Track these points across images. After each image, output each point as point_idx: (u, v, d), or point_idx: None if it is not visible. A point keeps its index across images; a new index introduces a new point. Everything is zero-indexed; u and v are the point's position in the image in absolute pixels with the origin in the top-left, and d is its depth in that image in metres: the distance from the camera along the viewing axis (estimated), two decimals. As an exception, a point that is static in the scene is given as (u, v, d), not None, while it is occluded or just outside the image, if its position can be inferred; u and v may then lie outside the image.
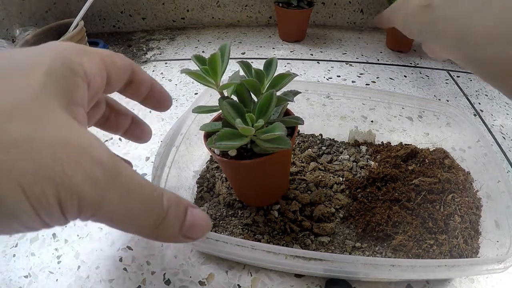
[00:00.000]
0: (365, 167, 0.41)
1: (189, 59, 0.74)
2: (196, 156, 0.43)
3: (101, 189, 0.15)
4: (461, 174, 0.39)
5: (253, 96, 0.29)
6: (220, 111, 0.28)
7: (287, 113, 0.32)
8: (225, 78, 0.28)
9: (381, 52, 0.77)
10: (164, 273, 0.34)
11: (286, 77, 0.29)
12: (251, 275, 0.34)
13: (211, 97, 0.42)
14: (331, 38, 0.82)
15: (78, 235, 0.38)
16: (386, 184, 0.38)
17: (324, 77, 0.66)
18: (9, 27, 0.70)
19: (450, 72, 0.70)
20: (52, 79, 0.16)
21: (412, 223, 0.34)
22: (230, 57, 0.29)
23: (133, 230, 0.18)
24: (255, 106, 0.27)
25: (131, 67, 0.23)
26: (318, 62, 0.72)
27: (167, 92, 0.27)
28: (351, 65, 0.71)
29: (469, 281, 0.33)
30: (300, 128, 0.47)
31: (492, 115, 0.58)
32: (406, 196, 0.36)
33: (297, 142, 0.45)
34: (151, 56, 0.75)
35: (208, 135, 0.30)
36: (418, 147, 0.44)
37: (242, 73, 0.30)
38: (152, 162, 0.44)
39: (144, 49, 0.78)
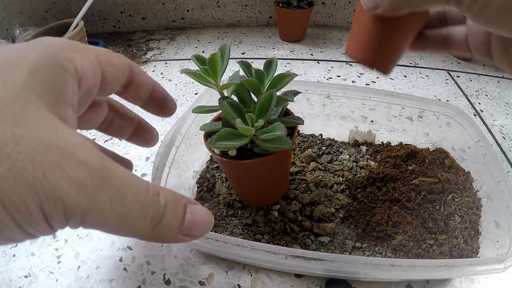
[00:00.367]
0: (365, 167, 0.41)
1: (189, 59, 0.74)
2: (196, 156, 0.43)
3: (89, 194, 0.14)
4: (461, 174, 0.39)
5: (253, 96, 0.29)
6: (220, 111, 0.28)
7: (287, 113, 0.32)
8: (225, 78, 0.28)
9: (381, 52, 0.77)
10: (164, 273, 0.34)
11: (286, 77, 0.29)
12: (251, 275, 0.34)
13: (211, 97, 0.42)
14: (331, 38, 0.82)
15: (78, 235, 0.38)
16: (386, 184, 0.38)
17: (324, 77, 0.66)
18: (9, 27, 0.70)
19: (450, 72, 0.70)
20: (37, 76, 0.15)
21: (412, 223, 0.34)
22: (230, 57, 0.29)
23: (129, 234, 0.16)
24: (255, 106, 0.27)
25: (129, 67, 0.22)
26: (318, 62, 0.72)
27: (170, 96, 0.26)
28: (351, 65, 0.71)
29: (469, 281, 0.33)
30: (300, 128, 0.47)
31: (492, 115, 0.58)
32: (406, 196, 0.36)
33: (297, 142, 0.45)
34: (151, 56, 0.75)
35: (208, 135, 0.30)
36: (418, 147, 0.44)
37: (242, 73, 0.30)
38: (152, 162, 0.44)
39: (144, 49, 0.78)
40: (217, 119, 0.33)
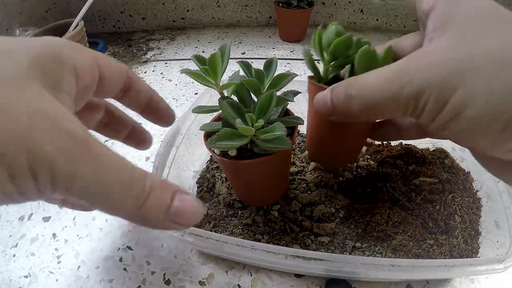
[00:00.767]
0: (365, 167, 0.41)
1: (189, 59, 0.74)
2: (196, 156, 0.43)
3: (73, 162, 0.15)
4: (461, 174, 0.39)
5: (253, 96, 0.29)
6: (220, 111, 0.28)
7: (287, 113, 0.32)
8: (225, 78, 0.28)
9: (381, 52, 0.77)
10: (164, 273, 0.34)
11: (286, 77, 0.29)
12: (251, 275, 0.34)
13: (211, 97, 0.42)
14: (331, 38, 0.82)
15: (78, 235, 0.38)
16: (386, 184, 0.38)
17: (324, 77, 0.66)
18: (9, 27, 0.70)
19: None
20: (38, 63, 0.17)
21: (412, 223, 0.34)
22: (230, 57, 0.29)
23: (112, 210, 0.17)
24: (255, 106, 0.27)
25: (126, 73, 0.23)
26: (318, 62, 0.71)
27: (168, 105, 0.28)
28: (351, 65, 0.71)
29: (469, 281, 0.33)
30: (300, 128, 0.47)
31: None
32: (406, 196, 0.36)
33: (297, 142, 0.45)
34: (151, 56, 0.75)
35: (208, 135, 0.30)
36: (418, 147, 0.44)
37: (242, 73, 0.30)
38: (152, 162, 0.44)
39: (144, 49, 0.78)
40: (217, 119, 0.33)
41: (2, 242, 0.37)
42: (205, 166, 0.43)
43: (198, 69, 0.27)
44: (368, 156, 0.43)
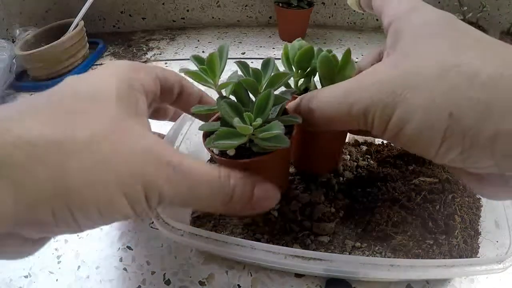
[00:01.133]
0: (365, 167, 0.41)
1: (189, 59, 0.74)
2: (196, 156, 0.43)
3: (174, 186, 0.19)
4: (461, 174, 0.39)
5: (251, 96, 0.29)
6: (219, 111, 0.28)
7: (286, 112, 0.32)
8: (224, 78, 0.28)
9: (381, 52, 0.77)
10: (164, 273, 0.34)
11: (284, 76, 0.29)
12: (251, 275, 0.34)
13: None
14: (331, 38, 0.82)
15: (78, 235, 0.38)
16: (386, 184, 0.38)
17: (324, 77, 0.66)
18: (9, 27, 0.71)
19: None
20: (122, 102, 0.20)
21: (412, 223, 0.34)
22: (230, 57, 0.29)
23: (201, 209, 0.24)
24: (253, 105, 0.27)
25: (180, 82, 0.28)
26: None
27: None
28: (351, 65, 0.71)
29: (469, 281, 0.33)
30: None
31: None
32: (406, 196, 0.36)
33: (297, 142, 0.45)
34: (151, 56, 0.75)
35: (207, 135, 0.30)
36: (418, 147, 0.44)
37: (240, 73, 0.30)
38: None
39: (144, 49, 0.78)
40: (216, 120, 0.33)
41: (2, 242, 0.37)
42: (205, 166, 0.43)
43: (197, 69, 0.27)
44: (368, 156, 0.43)
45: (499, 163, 0.18)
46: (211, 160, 0.44)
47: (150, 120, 0.28)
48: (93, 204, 0.17)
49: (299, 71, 0.31)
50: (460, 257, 0.32)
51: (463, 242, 0.32)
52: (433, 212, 0.34)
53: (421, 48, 0.20)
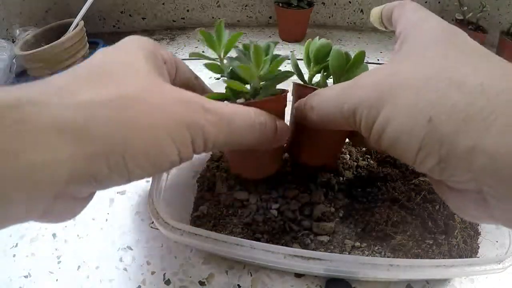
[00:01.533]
0: (365, 166, 0.41)
1: (189, 59, 0.74)
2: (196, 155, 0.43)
3: (218, 128, 0.21)
4: (461, 174, 0.39)
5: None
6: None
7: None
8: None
9: (381, 52, 0.77)
10: (164, 273, 0.34)
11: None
12: (251, 275, 0.34)
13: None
14: (331, 38, 0.82)
15: (78, 235, 0.38)
16: (386, 184, 0.38)
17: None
18: (9, 27, 0.71)
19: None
20: (150, 64, 0.22)
21: (411, 223, 0.34)
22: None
23: (240, 147, 0.24)
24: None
25: (176, 62, 0.29)
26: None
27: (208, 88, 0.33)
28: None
29: (469, 281, 0.33)
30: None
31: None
32: (406, 196, 0.36)
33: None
34: (151, 56, 0.75)
35: None
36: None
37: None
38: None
39: (144, 49, 0.78)
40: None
41: (2, 242, 0.37)
42: (205, 166, 0.43)
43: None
44: (368, 156, 0.43)
45: (477, 177, 0.17)
46: (211, 160, 0.43)
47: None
48: (145, 152, 0.19)
49: (315, 66, 0.32)
50: (460, 257, 0.32)
51: (462, 242, 0.32)
52: (433, 212, 0.34)
53: (417, 54, 0.21)
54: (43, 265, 0.35)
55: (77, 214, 0.21)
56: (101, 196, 0.41)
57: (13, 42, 0.66)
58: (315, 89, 0.30)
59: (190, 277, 0.34)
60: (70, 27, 0.65)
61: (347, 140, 0.36)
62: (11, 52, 0.60)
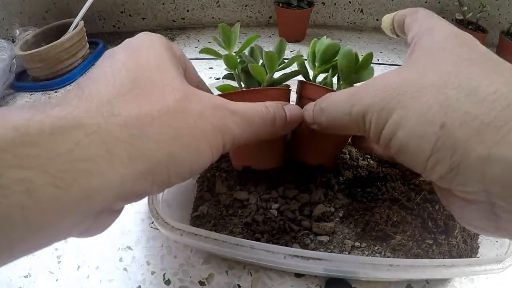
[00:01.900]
0: (365, 166, 0.41)
1: (189, 59, 0.74)
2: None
3: (243, 129, 0.23)
4: (461, 174, 0.39)
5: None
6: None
7: None
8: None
9: (381, 52, 0.77)
10: (164, 273, 0.34)
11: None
12: (251, 275, 0.34)
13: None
14: (331, 38, 0.81)
15: (78, 235, 0.38)
16: (386, 183, 0.38)
17: (324, 77, 0.66)
18: (9, 27, 0.71)
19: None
20: (175, 66, 0.23)
21: (411, 223, 0.34)
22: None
23: (258, 139, 0.25)
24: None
25: (198, 77, 0.30)
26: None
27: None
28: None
29: (469, 281, 0.33)
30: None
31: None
32: (406, 196, 0.36)
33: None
34: (151, 56, 0.75)
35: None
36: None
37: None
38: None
39: (144, 49, 0.78)
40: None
41: (2, 242, 0.37)
42: (205, 166, 0.43)
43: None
44: (368, 156, 0.43)
45: (489, 188, 0.16)
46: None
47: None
48: (186, 161, 0.19)
49: (321, 66, 0.33)
50: (460, 257, 0.32)
51: (462, 242, 0.32)
52: (433, 212, 0.34)
53: (428, 60, 0.21)
54: (43, 265, 0.35)
55: (110, 226, 0.21)
56: (101, 196, 0.41)
57: (13, 42, 0.66)
58: (320, 87, 0.31)
59: (190, 277, 0.34)
60: (70, 27, 0.65)
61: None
62: (11, 52, 0.60)
